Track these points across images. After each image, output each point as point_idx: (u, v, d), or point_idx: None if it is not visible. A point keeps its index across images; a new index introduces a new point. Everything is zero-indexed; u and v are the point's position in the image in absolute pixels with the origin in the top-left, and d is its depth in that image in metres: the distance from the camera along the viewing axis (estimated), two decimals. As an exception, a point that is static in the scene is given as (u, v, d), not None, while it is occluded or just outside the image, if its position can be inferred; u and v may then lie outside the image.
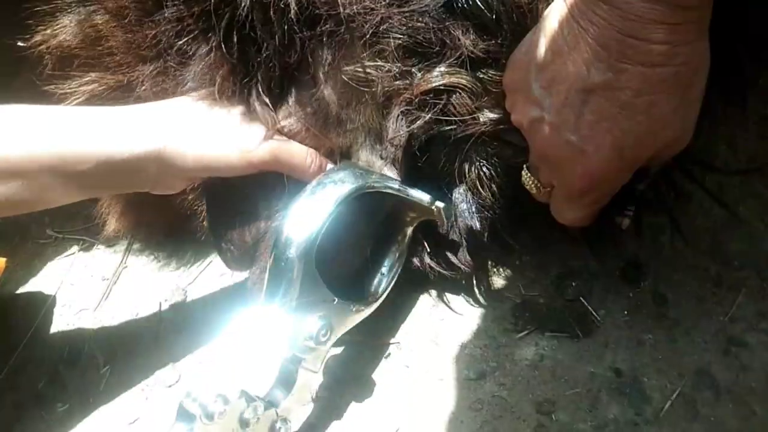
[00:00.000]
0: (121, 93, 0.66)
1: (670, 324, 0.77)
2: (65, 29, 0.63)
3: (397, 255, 0.75)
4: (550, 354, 0.78)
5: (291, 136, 0.67)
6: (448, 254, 0.77)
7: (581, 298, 0.80)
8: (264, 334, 0.63)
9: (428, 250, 0.76)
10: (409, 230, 0.75)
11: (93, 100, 0.66)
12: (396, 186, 0.68)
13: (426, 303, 0.83)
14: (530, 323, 0.80)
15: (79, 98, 0.65)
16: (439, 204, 0.70)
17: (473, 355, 0.79)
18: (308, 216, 0.63)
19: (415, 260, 0.77)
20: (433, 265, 0.78)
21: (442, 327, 0.81)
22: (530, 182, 0.63)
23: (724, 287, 0.78)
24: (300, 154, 0.66)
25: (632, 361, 0.76)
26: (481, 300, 0.82)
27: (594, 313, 0.79)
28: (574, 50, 0.53)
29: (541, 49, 0.55)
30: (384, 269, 0.75)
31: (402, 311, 0.83)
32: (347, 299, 0.69)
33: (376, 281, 0.75)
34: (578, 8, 0.52)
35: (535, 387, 0.76)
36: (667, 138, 0.55)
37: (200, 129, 0.62)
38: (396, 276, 0.75)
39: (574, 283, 0.81)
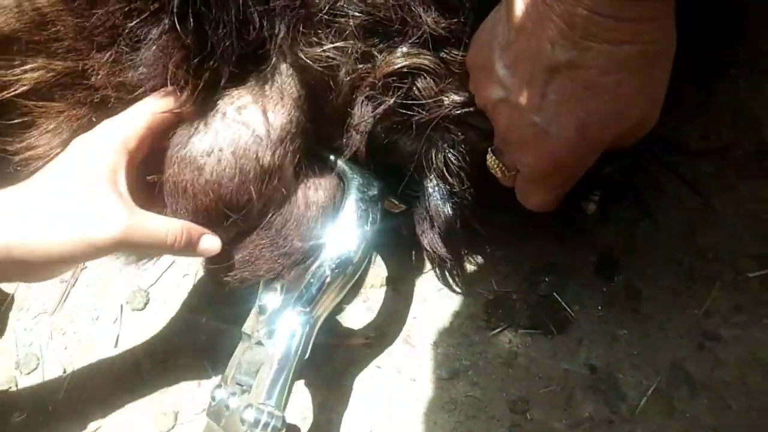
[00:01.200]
0: (72, 80, 0.64)
1: (645, 319, 0.76)
2: (4, 10, 0.60)
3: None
4: (523, 351, 0.77)
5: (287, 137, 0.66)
6: (423, 240, 0.76)
7: (555, 294, 0.79)
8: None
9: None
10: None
11: (40, 88, 0.64)
12: (393, 199, 0.72)
13: (397, 302, 0.81)
14: (503, 320, 0.79)
15: (24, 85, 0.63)
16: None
17: (446, 354, 0.78)
18: (350, 240, 0.67)
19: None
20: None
21: (414, 326, 0.80)
22: (495, 166, 0.63)
23: (698, 281, 0.77)
24: (159, 233, 0.60)
25: (607, 357, 0.75)
26: (455, 289, 0.81)
27: (568, 309, 0.78)
28: (539, 28, 0.52)
29: (505, 27, 0.54)
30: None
31: (373, 311, 0.81)
32: None
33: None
34: None
35: (509, 385, 0.75)
36: (632, 118, 0.54)
37: (43, 218, 0.57)
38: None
39: (547, 279, 0.80)
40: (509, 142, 0.59)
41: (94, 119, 0.67)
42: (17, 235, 0.56)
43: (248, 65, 0.62)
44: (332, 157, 0.70)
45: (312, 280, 0.65)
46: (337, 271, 0.66)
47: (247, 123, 0.62)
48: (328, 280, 0.65)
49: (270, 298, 0.69)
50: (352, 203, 0.67)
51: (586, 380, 0.74)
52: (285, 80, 0.62)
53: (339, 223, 0.67)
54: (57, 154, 0.65)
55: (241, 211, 0.63)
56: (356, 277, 0.68)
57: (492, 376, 0.76)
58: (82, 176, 0.59)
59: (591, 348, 0.75)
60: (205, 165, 0.61)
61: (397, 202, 0.73)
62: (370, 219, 0.67)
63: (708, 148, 0.80)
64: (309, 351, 0.66)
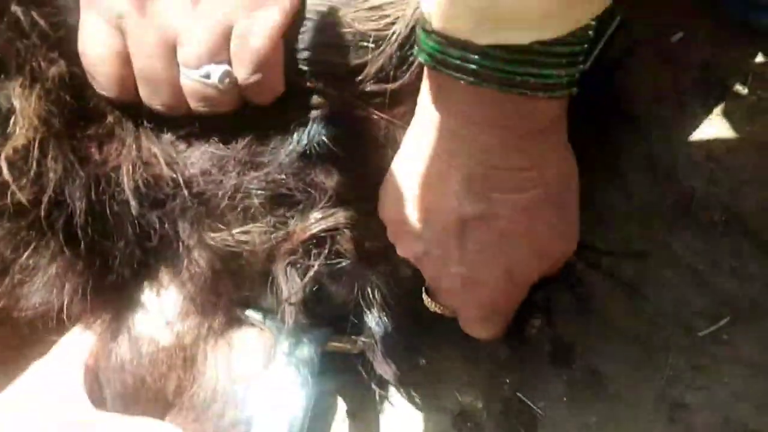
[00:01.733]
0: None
1: (611, 400, 0.75)
2: None
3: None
4: (500, 462, 0.75)
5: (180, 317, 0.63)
6: (378, 369, 0.74)
7: (517, 393, 0.78)
8: None
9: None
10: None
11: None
12: (340, 338, 0.68)
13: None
14: (473, 433, 0.77)
15: None
16: (360, 340, 0.69)
17: (421, 484, 0.76)
18: (288, 411, 0.62)
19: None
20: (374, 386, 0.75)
21: (384, 457, 0.77)
22: (433, 306, 0.62)
23: (654, 349, 0.77)
24: None
25: (583, 450, 0.74)
26: (421, 410, 0.79)
27: (534, 407, 0.76)
28: (442, 182, 0.51)
29: (409, 181, 0.54)
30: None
31: None
32: None
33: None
34: (435, 139, 0.50)
35: (492, 502, 0.73)
36: (553, 253, 0.54)
37: None
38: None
39: (508, 379, 0.79)
40: (440, 290, 0.58)
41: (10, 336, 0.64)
42: None
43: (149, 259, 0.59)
44: (257, 317, 0.67)
45: None
46: None
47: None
48: None
49: None
50: (280, 370, 0.63)
51: (568, 479, 0.72)
52: (183, 261, 0.60)
53: (272, 394, 0.63)
54: None
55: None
56: None
57: (474, 496, 0.74)
58: None
59: (565, 444, 0.74)
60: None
61: (351, 344, 0.71)
62: (305, 382, 0.63)
63: (634, 250, 0.80)
64: None
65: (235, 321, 0.65)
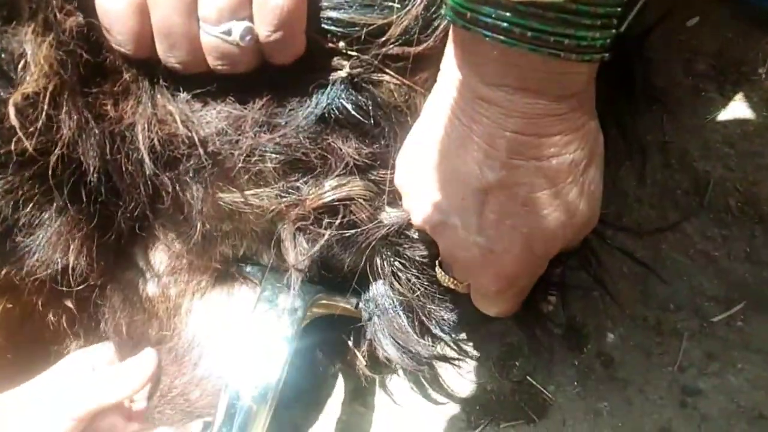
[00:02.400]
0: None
1: (622, 385, 0.75)
2: None
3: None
4: (509, 446, 0.74)
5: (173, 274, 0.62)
6: (380, 350, 0.72)
7: (528, 377, 0.77)
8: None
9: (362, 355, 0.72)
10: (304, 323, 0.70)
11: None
12: (333, 297, 0.66)
13: (366, 416, 0.78)
14: (483, 417, 0.76)
15: None
16: (361, 304, 0.67)
17: (430, 465, 0.75)
18: (265, 358, 0.60)
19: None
20: (365, 369, 0.73)
21: (391, 438, 0.76)
22: (446, 280, 0.60)
23: (666, 335, 0.76)
24: (104, 394, 0.60)
25: (594, 435, 0.73)
26: (427, 393, 0.78)
27: (544, 391, 0.76)
28: (462, 149, 0.49)
29: (427, 149, 0.52)
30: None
31: (345, 430, 0.78)
32: None
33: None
34: (458, 105, 0.48)
35: (500, 485, 0.72)
36: (575, 225, 0.52)
37: None
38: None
39: (517, 362, 0.78)
40: (456, 261, 0.56)
41: (9, 306, 0.64)
42: None
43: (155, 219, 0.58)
44: (248, 269, 0.65)
45: (231, 419, 0.59)
46: (256, 401, 0.59)
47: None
48: (252, 410, 0.59)
49: None
50: (259, 317, 0.61)
51: (578, 463, 0.71)
52: (190, 222, 0.58)
53: (248, 343, 0.61)
54: None
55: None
56: (274, 403, 0.62)
57: (482, 479, 0.73)
58: None
59: (575, 428, 0.74)
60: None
61: (346, 303, 0.68)
62: (286, 332, 0.61)
63: (650, 227, 0.79)
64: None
65: (226, 276, 0.64)
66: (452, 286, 0.60)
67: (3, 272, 0.56)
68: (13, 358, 0.68)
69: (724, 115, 0.83)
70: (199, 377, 0.63)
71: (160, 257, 0.60)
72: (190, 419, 0.63)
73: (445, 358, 0.74)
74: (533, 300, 0.62)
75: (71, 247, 0.54)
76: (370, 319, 0.67)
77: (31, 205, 0.53)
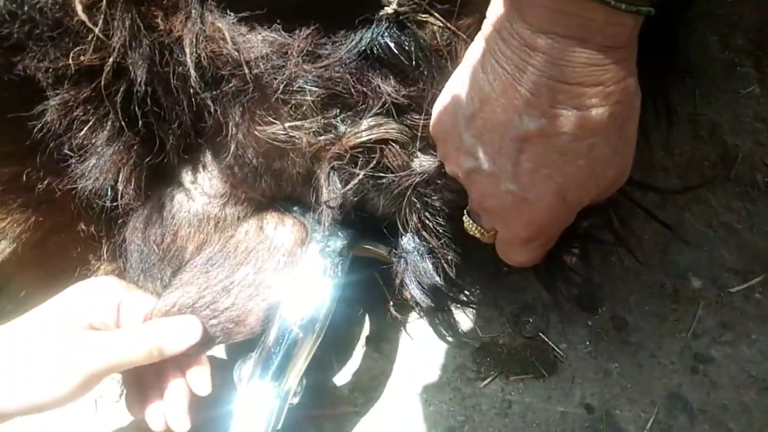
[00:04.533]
0: (14, 185, 0.62)
1: (634, 349, 0.77)
2: None
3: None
4: (517, 399, 0.77)
5: (220, 197, 0.64)
6: (404, 293, 0.75)
7: (540, 334, 0.79)
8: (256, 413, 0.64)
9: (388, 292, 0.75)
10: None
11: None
12: (368, 241, 0.69)
13: (382, 362, 0.80)
14: (493, 368, 0.78)
15: None
16: (393, 251, 0.70)
17: (439, 412, 0.77)
18: (313, 294, 0.64)
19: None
20: (392, 308, 0.76)
21: (402, 385, 0.79)
22: (473, 228, 0.62)
23: (682, 302, 0.78)
24: (136, 355, 0.60)
25: (602, 394, 0.75)
26: (441, 340, 0.80)
27: (556, 348, 0.78)
28: (503, 96, 0.51)
29: (467, 96, 0.54)
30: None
31: (358, 374, 0.80)
32: None
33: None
34: (502, 52, 0.50)
35: (507, 436, 0.75)
36: (608, 178, 0.54)
37: (19, 371, 0.57)
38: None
39: (531, 319, 0.80)
40: (485, 208, 0.58)
41: (40, 219, 0.65)
42: None
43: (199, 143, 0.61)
44: (295, 208, 0.68)
45: (279, 344, 0.63)
46: (304, 331, 0.64)
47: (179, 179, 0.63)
48: (296, 342, 0.63)
49: (245, 368, 0.67)
50: (312, 256, 0.65)
51: (584, 421, 0.74)
52: (230, 150, 0.61)
53: (300, 278, 0.65)
54: (4, 263, 0.64)
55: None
56: (320, 337, 0.66)
57: (489, 429, 0.75)
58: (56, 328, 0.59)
59: (584, 386, 0.76)
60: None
61: (384, 251, 0.72)
62: (334, 272, 0.65)
63: (677, 187, 0.81)
64: (281, 422, 0.65)
65: (270, 207, 0.67)
66: (478, 235, 0.62)
67: (45, 183, 0.59)
68: (38, 272, 0.70)
69: (758, 90, 0.84)
70: (230, 288, 0.65)
71: (205, 179, 0.63)
72: (214, 332, 0.65)
73: (463, 302, 0.77)
74: (556, 252, 0.64)
75: (121, 175, 0.57)
76: (399, 262, 0.69)
77: (85, 127, 0.56)
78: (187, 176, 0.62)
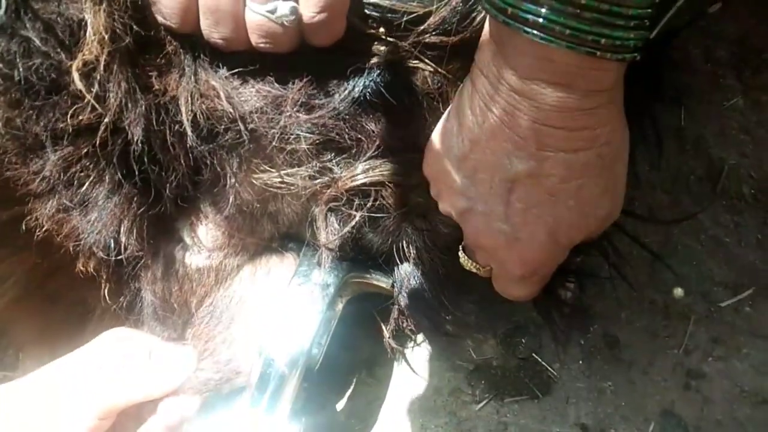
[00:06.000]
0: (13, 226, 0.64)
1: (627, 366, 0.80)
2: None
3: (333, 324, 0.76)
4: (512, 420, 0.80)
5: (219, 249, 0.67)
6: (397, 320, 0.77)
7: (534, 354, 0.82)
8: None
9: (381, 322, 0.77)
10: (345, 299, 0.75)
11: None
12: (366, 274, 0.70)
13: (377, 387, 0.83)
14: (487, 391, 0.81)
15: None
16: (384, 280, 0.72)
17: (435, 436, 0.80)
18: (297, 327, 0.66)
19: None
20: (387, 337, 0.78)
21: (397, 410, 0.81)
22: (469, 264, 0.65)
23: (673, 318, 0.81)
24: (136, 393, 0.64)
25: (596, 414, 0.78)
26: (435, 365, 0.83)
27: (549, 369, 0.81)
28: (492, 139, 0.53)
29: (458, 138, 0.56)
30: (322, 339, 0.75)
31: (354, 399, 0.83)
32: None
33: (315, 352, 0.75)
34: (490, 96, 0.52)
35: (504, 459, 0.78)
36: (599, 217, 0.57)
37: (16, 420, 0.60)
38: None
39: (523, 340, 0.83)
40: (480, 246, 0.61)
41: (38, 261, 0.68)
42: None
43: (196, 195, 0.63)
44: (291, 245, 0.70)
45: (266, 380, 0.65)
46: (288, 367, 0.65)
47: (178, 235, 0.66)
48: (284, 375, 0.65)
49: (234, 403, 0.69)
50: (295, 290, 0.67)
51: (579, 440, 0.77)
52: (227, 200, 0.63)
53: (283, 313, 0.67)
54: (3, 305, 0.66)
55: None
56: (312, 367, 0.68)
57: (485, 452, 0.78)
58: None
59: (579, 406, 0.79)
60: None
61: (375, 281, 0.73)
62: (320, 305, 0.67)
63: (666, 216, 0.84)
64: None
65: (268, 250, 0.69)
66: (474, 270, 0.65)
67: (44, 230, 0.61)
68: (35, 314, 0.72)
69: (742, 102, 0.87)
70: (233, 336, 0.67)
71: (204, 232, 0.65)
72: (221, 378, 0.68)
73: (458, 333, 0.79)
74: (552, 286, 0.67)
75: (123, 227, 0.59)
76: (399, 294, 0.72)
77: (87, 182, 0.58)
78: (186, 231, 0.64)
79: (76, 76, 0.50)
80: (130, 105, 0.53)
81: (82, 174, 0.57)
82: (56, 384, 0.62)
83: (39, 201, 0.62)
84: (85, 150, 0.55)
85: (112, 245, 0.60)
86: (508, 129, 0.52)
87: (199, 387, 0.66)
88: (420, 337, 0.82)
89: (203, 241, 0.64)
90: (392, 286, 0.71)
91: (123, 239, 0.59)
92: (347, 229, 0.62)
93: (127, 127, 0.54)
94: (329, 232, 0.63)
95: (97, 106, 0.51)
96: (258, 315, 0.68)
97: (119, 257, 0.61)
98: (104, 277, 0.65)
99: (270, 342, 0.66)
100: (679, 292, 0.78)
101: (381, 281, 0.71)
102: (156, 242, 0.63)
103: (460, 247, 0.64)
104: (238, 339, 0.67)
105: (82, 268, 0.66)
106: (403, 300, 0.73)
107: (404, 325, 0.77)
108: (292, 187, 0.59)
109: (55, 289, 0.71)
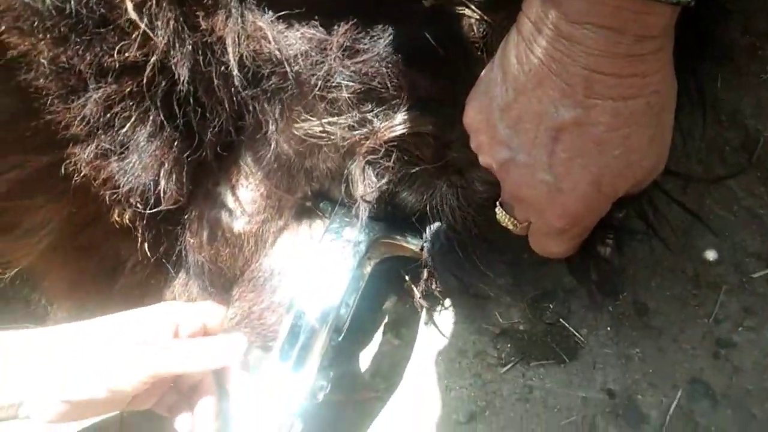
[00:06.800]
0: (50, 174, 0.64)
1: (656, 334, 0.80)
2: None
3: (361, 286, 0.77)
4: (538, 384, 0.80)
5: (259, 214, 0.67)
6: (426, 281, 0.78)
7: (561, 320, 0.82)
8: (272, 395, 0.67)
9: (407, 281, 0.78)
10: (374, 262, 0.76)
11: (20, 188, 0.64)
12: (397, 236, 0.71)
13: (403, 348, 0.83)
14: (513, 354, 0.82)
15: (2, 188, 0.64)
16: (425, 245, 0.72)
17: (460, 397, 0.80)
18: (328, 283, 0.67)
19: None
20: (418, 297, 0.79)
21: (423, 371, 0.82)
22: (506, 220, 0.65)
23: (703, 287, 0.81)
24: (183, 364, 0.66)
25: (623, 380, 0.79)
26: (461, 327, 0.83)
27: (576, 334, 0.81)
28: (538, 88, 0.53)
29: (502, 87, 0.56)
30: (349, 300, 0.76)
31: (379, 360, 0.84)
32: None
33: (343, 312, 0.76)
34: (537, 43, 0.52)
35: (528, 422, 0.78)
36: (644, 168, 0.57)
37: (65, 371, 0.63)
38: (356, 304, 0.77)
39: (551, 305, 0.83)
40: (520, 199, 0.61)
41: (74, 210, 0.69)
42: (37, 389, 0.62)
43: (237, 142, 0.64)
44: (322, 204, 0.71)
45: (296, 335, 0.67)
46: (318, 322, 0.67)
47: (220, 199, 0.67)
48: (312, 332, 0.67)
49: (263, 359, 0.71)
50: (327, 247, 0.68)
51: (605, 406, 0.78)
52: (267, 149, 0.63)
53: (315, 269, 0.68)
54: (39, 254, 0.66)
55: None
56: (341, 326, 0.70)
57: (510, 414, 0.79)
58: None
59: (606, 371, 0.79)
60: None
61: (406, 243, 0.74)
62: (350, 262, 0.68)
63: (702, 174, 0.84)
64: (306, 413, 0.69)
65: (303, 211, 0.69)
66: (511, 227, 0.65)
67: (82, 176, 0.61)
68: (67, 265, 0.74)
69: (782, 75, 0.87)
70: (276, 303, 0.69)
71: (245, 194, 0.66)
72: (264, 341, 0.69)
73: (488, 294, 0.80)
74: (590, 243, 0.67)
75: (162, 170, 0.60)
76: (430, 256, 0.72)
77: (127, 124, 0.58)
78: (228, 194, 0.66)
79: (130, 6, 0.51)
80: (177, 44, 0.53)
81: (124, 115, 0.57)
82: (113, 336, 0.66)
83: (78, 145, 0.63)
84: (129, 89, 0.56)
85: (152, 189, 0.60)
86: (555, 76, 0.52)
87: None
88: (446, 300, 0.82)
89: (244, 204, 0.65)
90: (421, 249, 0.71)
91: (163, 183, 0.59)
92: (384, 181, 0.63)
93: (174, 67, 0.54)
94: (367, 184, 0.63)
95: (150, 34, 0.51)
96: (292, 272, 0.69)
97: (155, 209, 0.62)
98: (139, 228, 0.66)
99: (301, 296, 0.67)
100: (711, 254, 0.77)
101: (411, 243, 0.72)
102: (197, 191, 0.63)
103: (498, 203, 0.64)
104: (281, 305, 0.67)
105: (117, 218, 0.67)
106: (433, 261, 0.73)
107: (432, 287, 0.78)
108: (332, 137, 0.60)
109: (88, 241, 0.72)
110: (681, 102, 0.80)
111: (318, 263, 0.67)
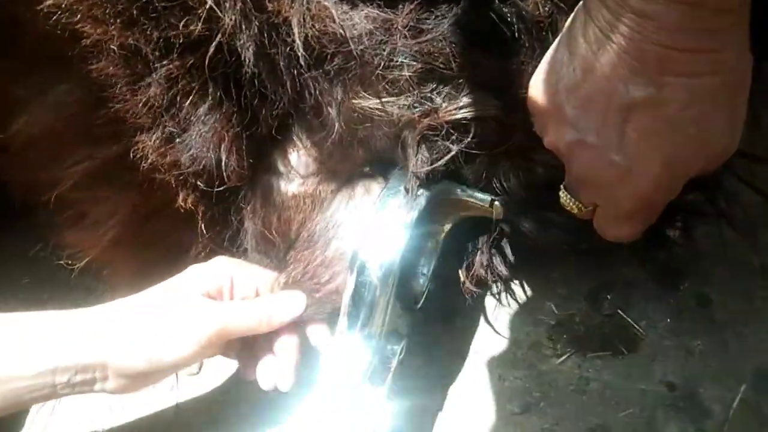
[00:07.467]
0: (117, 165, 0.65)
1: (719, 327, 0.79)
2: (39, 111, 0.62)
3: (435, 253, 0.76)
4: (595, 376, 0.79)
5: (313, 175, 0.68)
6: (479, 268, 0.77)
7: (619, 311, 0.81)
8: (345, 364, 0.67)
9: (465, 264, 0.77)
10: (447, 227, 0.76)
11: (86, 178, 0.65)
12: (458, 190, 0.70)
13: (457, 337, 0.83)
14: (569, 345, 0.81)
15: (72, 179, 0.65)
16: (496, 201, 0.71)
17: (514, 388, 0.80)
18: (387, 238, 0.66)
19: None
20: (468, 284, 0.79)
21: (477, 361, 0.81)
22: (570, 203, 0.64)
23: (770, 280, 0.80)
24: (248, 323, 0.67)
25: (684, 373, 0.77)
26: (516, 317, 0.83)
27: (635, 326, 0.80)
28: (607, 66, 0.52)
29: (568, 67, 0.55)
30: (424, 269, 0.76)
31: (432, 349, 0.83)
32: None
33: (421, 281, 0.76)
34: (605, 20, 0.51)
35: (585, 414, 0.77)
36: (718, 149, 0.55)
37: (145, 330, 0.64)
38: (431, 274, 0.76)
39: (609, 296, 0.82)
40: (587, 182, 0.60)
41: (138, 202, 0.71)
42: (118, 348, 0.63)
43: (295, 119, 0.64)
44: (378, 168, 0.71)
45: (360, 294, 0.66)
46: (380, 280, 0.66)
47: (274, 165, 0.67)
48: (374, 289, 0.66)
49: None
50: (384, 201, 0.67)
51: (665, 399, 0.76)
52: (326, 126, 0.64)
53: (374, 226, 0.67)
54: (105, 246, 0.68)
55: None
56: (424, 291, 0.71)
57: (566, 406, 0.78)
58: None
59: (666, 364, 0.78)
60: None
61: (478, 200, 0.72)
62: (410, 215, 0.67)
63: None
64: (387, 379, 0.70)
65: (360, 174, 0.70)
66: (575, 210, 0.64)
67: (149, 162, 0.62)
68: (131, 258, 0.75)
69: None
70: (329, 259, 0.69)
71: (296, 158, 0.66)
72: (315, 303, 0.69)
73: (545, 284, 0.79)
74: (659, 227, 0.65)
75: (223, 144, 0.60)
76: (501, 216, 0.71)
77: (188, 100, 0.59)
78: (280, 158, 0.66)
79: None
80: (243, 25, 0.54)
81: (185, 90, 0.58)
82: (172, 301, 0.66)
83: (145, 133, 0.63)
84: (191, 63, 0.56)
85: (213, 163, 0.61)
86: (626, 54, 0.50)
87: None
88: (501, 291, 0.82)
89: (296, 168, 0.65)
90: (491, 204, 0.69)
91: (224, 157, 0.60)
92: (441, 162, 0.62)
93: (239, 50, 0.55)
94: (419, 159, 0.63)
95: (217, 10, 0.52)
96: (348, 226, 0.70)
97: (219, 188, 0.62)
98: (202, 210, 0.66)
99: (362, 251, 0.66)
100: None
101: (478, 199, 0.70)
102: (254, 167, 0.64)
103: (561, 186, 0.63)
104: (336, 260, 0.67)
105: (182, 202, 0.68)
106: (488, 244, 0.72)
107: (487, 275, 0.77)
108: (391, 116, 0.60)
109: (152, 233, 0.74)
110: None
111: (376, 217, 0.67)
